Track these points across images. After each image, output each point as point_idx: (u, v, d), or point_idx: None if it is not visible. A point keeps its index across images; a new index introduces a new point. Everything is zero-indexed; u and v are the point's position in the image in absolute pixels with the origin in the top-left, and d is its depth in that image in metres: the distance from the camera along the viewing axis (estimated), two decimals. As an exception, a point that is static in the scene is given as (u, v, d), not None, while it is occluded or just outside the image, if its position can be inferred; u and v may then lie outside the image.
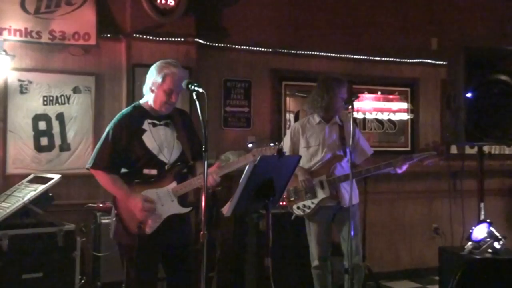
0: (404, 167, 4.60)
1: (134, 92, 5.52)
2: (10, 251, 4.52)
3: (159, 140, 3.60)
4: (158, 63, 3.66)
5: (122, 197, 3.56)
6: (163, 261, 3.71)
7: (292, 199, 4.83)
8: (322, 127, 4.88)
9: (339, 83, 4.79)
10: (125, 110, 3.74)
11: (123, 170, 3.64)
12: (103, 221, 5.09)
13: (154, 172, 3.58)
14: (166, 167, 3.60)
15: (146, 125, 3.62)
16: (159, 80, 3.59)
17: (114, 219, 3.63)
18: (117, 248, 3.68)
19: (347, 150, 4.69)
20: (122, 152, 3.57)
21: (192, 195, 4.02)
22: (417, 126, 7.18)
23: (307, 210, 4.77)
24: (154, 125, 3.64)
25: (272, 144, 3.59)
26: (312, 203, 4.75)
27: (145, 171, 3.59)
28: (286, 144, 4.99)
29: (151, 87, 3.63)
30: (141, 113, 3.66)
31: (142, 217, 3.49)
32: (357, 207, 4.89)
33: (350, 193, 4.34)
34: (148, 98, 3.68)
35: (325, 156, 4.79)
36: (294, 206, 4.84)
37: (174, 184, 3.58)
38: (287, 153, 4.87)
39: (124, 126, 3.58)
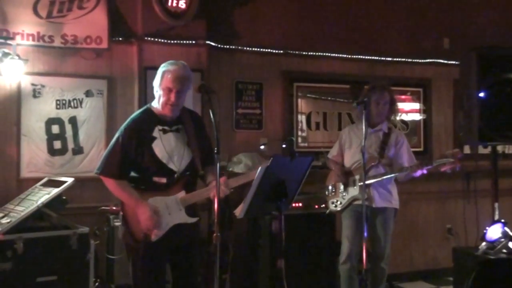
0: (419, 172, 4.72)
1: (146, 95, 5.52)
2: (24, 254, 4.54)
3: (169, 148, 3.55)
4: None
5: (131, 204, 3.53)
6: (169, 263, 3.69)
7: (330, 194, 5.05)
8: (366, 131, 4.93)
9: (372, 92, 4.84)
10: (135, 114, 3.68)
11: (133, 174, 3.61)
12: (117, 224, 5.09)
13: (163, 180, 3.55)
14: (175, 176, 3.56)
15: (156, 132, 3.57)
16: (159, 79, 3.57)
17: (120, 223, 3.63)
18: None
19: (386, 155, 4.88)
20: (132, 159, 3.53)
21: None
22: (429, 127, 7.14)
23: (339, 206, 4.96)
24: (165, 131, 3.59)
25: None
26: (343, 198, 4.93)
27: (155, 179, 3.55)
28: (335, 146, 5.22)
29: (155, 89, 3.60)
30: (151, 118, 3.60)
31: (148, 226, 3.46)
32: (391, 211, 4.93)
33: (363, 193, 4.38)
34: (156, 101, 3.63)
35: (362, 158, 4.81)
36: (330, 201, 5.04)
37: (182, 193, 3.55)
38: (334, 154, 5.19)
39: (134, 134, 3.53)
